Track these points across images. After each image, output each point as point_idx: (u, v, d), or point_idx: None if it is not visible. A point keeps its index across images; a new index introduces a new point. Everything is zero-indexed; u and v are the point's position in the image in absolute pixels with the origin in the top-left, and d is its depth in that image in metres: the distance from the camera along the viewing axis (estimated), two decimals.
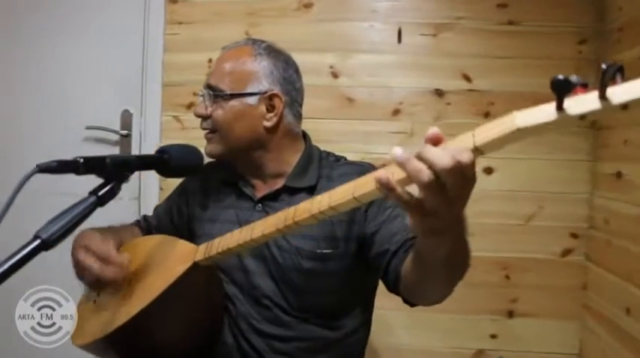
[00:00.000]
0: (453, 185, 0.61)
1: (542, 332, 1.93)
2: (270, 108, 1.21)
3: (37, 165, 0.85)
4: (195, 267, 1.05)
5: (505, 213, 1.94)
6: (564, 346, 1.93)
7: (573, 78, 0.53)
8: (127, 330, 1.02)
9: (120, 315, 1.04)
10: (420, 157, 0.62)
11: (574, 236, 1.91)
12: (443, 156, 0.60)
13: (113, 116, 2.13)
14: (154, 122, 2.10)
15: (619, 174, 1.72)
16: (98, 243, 1.08)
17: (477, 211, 1.89)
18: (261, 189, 1.25)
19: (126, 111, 2.12)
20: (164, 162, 1.05)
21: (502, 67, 1.92)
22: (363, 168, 1.22)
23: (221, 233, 1.17)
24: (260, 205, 1.22)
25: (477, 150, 0.61)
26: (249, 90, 1.20)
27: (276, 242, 1.18)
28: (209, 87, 1.22)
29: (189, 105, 2.06)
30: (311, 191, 1.20)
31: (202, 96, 1.23)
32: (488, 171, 1.94)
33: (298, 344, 1.19)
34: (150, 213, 1.46)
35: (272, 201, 1.22)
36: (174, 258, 1.10)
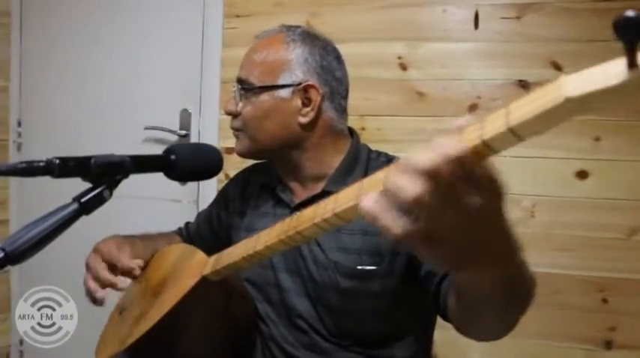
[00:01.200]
0: (452, 195, 0.45)
1: None
2: (307, 101, 1.05)
3: None
4: (205, 281, 0.95)
5: (602, 226, 1.67)
6: None
7: None
8: (142, 346, 0.95)
9: (135, 331, 0.97)
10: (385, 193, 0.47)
11: None
12: (422, 157, 0.43)
13: (172, 116, 2.07)
14: (211, 121, 2.02)
15: None
16: (109, 248, 1.05)
17: (569, 222, 1.67)
18: (300, 195, 1.11)
19: (185, 110, 2.06)
20: (169, 163, 0.90)
21: (597, 51, 1.63)
22: None
23: None
24: (297, 213, 1.07)
25: (513, 134, 0.43)
26: (280, 81, 1.06)
27: (313, 254, 1.05)
28: (239, 81, 1.09)
29: None
30: None
31: (234, 90, 1.10)
32: (582, 175, 1.67)
33: None
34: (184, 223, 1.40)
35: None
36: (187, 270, 1.01)
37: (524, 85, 1.70)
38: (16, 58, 2.33)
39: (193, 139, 2.03)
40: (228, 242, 1.19)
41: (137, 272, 1.04)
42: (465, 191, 0.45)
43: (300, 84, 1.05)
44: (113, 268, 1.03)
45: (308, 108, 1.06)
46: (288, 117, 1.06)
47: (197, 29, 2.03)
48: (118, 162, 0.83)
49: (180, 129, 2.05)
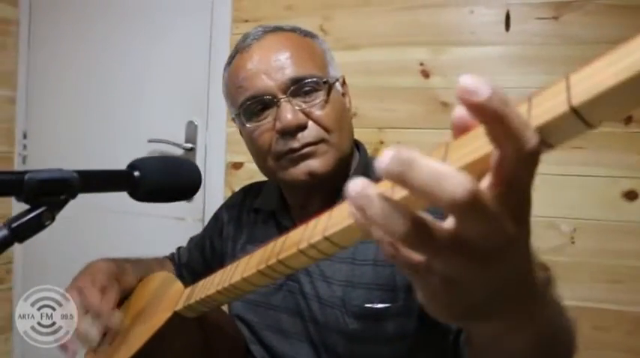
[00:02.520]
0: (475, 230, 0.32)
1: None
2: (345, 97, 0.97)
3: None
4: (177, 317, 0.81)
5: None
6: None
7: None
8: None
9: None
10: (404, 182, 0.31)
11: None
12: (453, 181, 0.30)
13: (178, 128, 1.96)
14: (219, 134, 1.89)
15: None
16: (94, 293, 0.89)
17: (615, 250, 1.47)
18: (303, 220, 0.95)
19: (191, 122, 1.94)
20: (132, 181, 0.74)
21: None
22: None
23: None
24: (284, 235, 0.91)
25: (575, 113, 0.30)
26: (332, 74, 0.93)
27: (316, 291, 0.90)
28: (296, 81, 0.87)
29: None
30: None
31: (274, 101, 0.87)
32: (631, 195, 1.47)
33: None
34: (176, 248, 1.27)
35: None
36: (163, 303, 0.88)
37: None
38: (24, 68, 2.29)
39: (199, 153, 1.91)
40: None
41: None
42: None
43: (338, 78, 0.94)
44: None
45: (349, 101, 0.98)
46: (349, 114, 0.95)
47: (205, 35, 1.92)
48: (61, 179, 0.68)
49: (186, 142, 1.93)
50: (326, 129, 0.87)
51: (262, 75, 0.87)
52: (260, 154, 0.91)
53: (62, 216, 0.67)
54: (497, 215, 0.31)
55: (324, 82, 0.88)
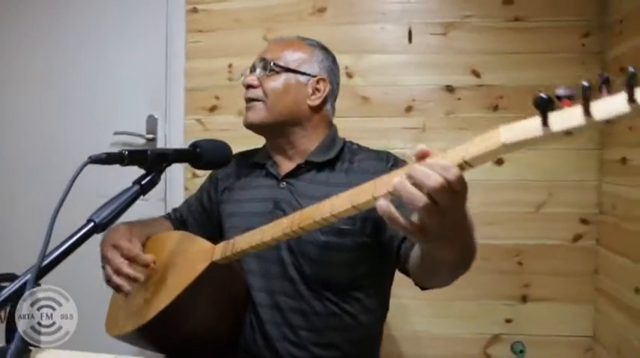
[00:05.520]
0: (444, 200, 0.66)
1: (556, 315, 2.00)
2: (316, 91, 1.32)
3: (90, 157, 0.94)
4: (214, 265, 1.12)
5: (516, 202, 2.01)
6: (578, 329, 2.00)
7: (560, 91, 0.54)
8: (156, 324, 1.09)
9: (149, 310, 1.11)
10: (410, 176, 0.67)
11: (584, 222, 1.98)
12: (430, 176, 0.65)
13: (139, 121, 2.24)
14: (177, 125, 2.21)
15: (624, 160, 1.79)
16: (126, 243, 1.16)
17: (490, 201, 1.98)
18: (285, 168, 1.33)
19: (151, 116, 2.23)
20: (197, 155, 1.12)
21: (510, 62, 2.00)
22: (380, 155, 1.32)
23: (249, 210, 1.28)
24: (284, 183, 1.30)
25: (467, 164, 0.65)
26: (302, 69, 1.32)
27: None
28: (263, 60, 1.32)
29: (212, 109, 2.17)
30: (332, 166, 1.29)
31: (252, 69, 1.34)
32: (499, 162, 2.01)
33: (314, 318, 1.23)
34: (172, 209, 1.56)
35: (293, 178, 1.30)
36: (194, 256, 1.16)
37: (450, 89, 2.03)
38: None
39: (160, 143, 2.20)
40: (219, 215, 1.42)
41: (153, 265, 1.16)
42: (448, 196, 0.67)
43: (316, 76, 1.32)
44: (130, 260, 1.14)
45: (316, 96, 1.32)
46: (301, 98, 1.31)
47: (161, 43, 2.21)
48: (165, 154, 1.05)
49: (148, 133, 2.22)
50: (265, 94, 1.29)
51: (258, 56, 1.35)
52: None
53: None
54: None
55: (278, 66, 1.29)
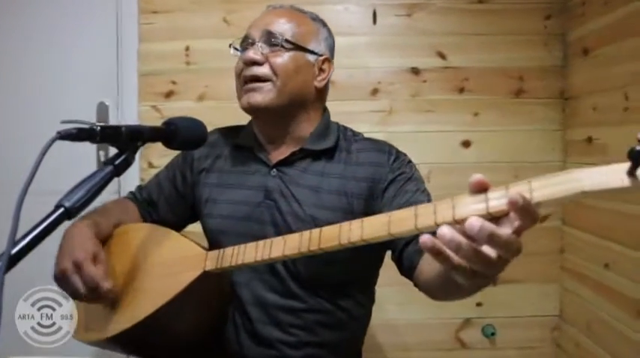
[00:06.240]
0: (509, 253, 0.61)
1: (524, 296, 2.02)
2: (321, 72, 1.22)
3: (58, 132, 0.85)
4: (206, 275, 1.02)
5: None
6: (546, 308, 2.03)
7: None
8: (134, 333, 1.00)
9: (125, 317, 1.02)
10: (491, 241, 0.59)
11: None
12: (514, 244, 0.59)
13: (89, 109, 2.09)
14: (131, 113, 2.08)
15: (589, 140, 1.82)
16: (89, 266, 1.01)
17: (456, 183, 1.95)
18: (275, 155, 1.22)
19: (102, 103, 2.09)
20: (171, 133, 1.01)
21: (475, 44, 2.00)
22: (381, 147, 1.22)
23: (235, 198, 1.18)
24: (275, 170, 1.19)
25: (537, 206, 0.60)
26: (310, 47, 1.20)
27: (292, 209, 1.15)
28: (269, 33, 1.17)
29: (168, 94, 2.06)
30: (330, 156, 1.20)
31: (252, 43, 1.18)
32: (466, 144, 2.02)
33: (305, 316, 1.16)
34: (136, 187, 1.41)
35: (287, 166, 1.20)
36: (182, 263, 1.05)
37: (416, 72, 2.01)
38: None
39: None
40: (194, 198, 1.29)
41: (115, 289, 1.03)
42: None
43: (322, 55, 1.22)
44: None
45: (322, 77, 1.22)
46: (309, 78, 1.19)
47: (111, 23, 2.07)
48: (140, 131, 0.95)
49: (98, 121, 2.07)
50: (275, 73, 1.14)
51: (254, 27, 1.21)
52: (236, 77, 1.21)
53: None
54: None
55: (288, 41, 1.15)
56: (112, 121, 2.08)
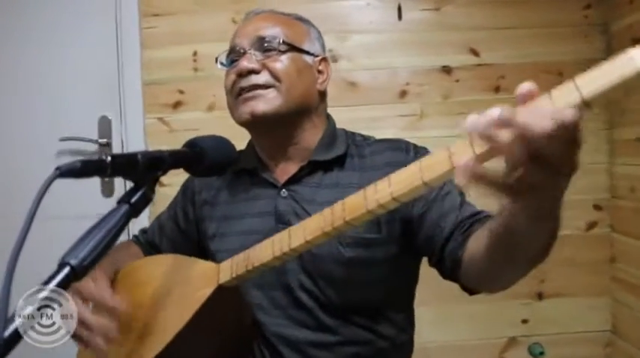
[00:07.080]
0: (555, 153, 0.50)
1: (573, 311, 1.88)
2: (320, 74, 1.10)
3: (58, 168, 0.67)
4: (220, 289, 0.91)
5: None
6: (597, 323, 1.88)
7: None
8: None
9: (145, 349, 0.92)
10: (511, 124, 0.49)
11: (597, 208, 1.87)
12: (541, 120, 0.47)
13: (90, 124, 1.93)
14: (136, 127, 1.92)
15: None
16: (88, 285, 0.92)
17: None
18: (282, 173, 1.09)
19: (103, 117, 1.93)
20: (197, 156, 0.85)
21: (510, 38, 1.85)
22: (397, 144, 1.10)
23: (244, 228, 1.06)
24: (284, 191, 1.06)
25: (585, 104, 0.48)
26: (305, 48, 1.09)
27: None
28: (261, 39, 1.05)
29: (175, 105, 1.89)
30: (341, 164, 1.07)
31: (242, 52, 1.06)
32: None
33: (342, 350, 1.03)
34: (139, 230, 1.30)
35: (297, 183, 1.07)
36: (195, 281, 0.95)
37: (448, 70, 1.85)
38: None
39: (116, 148, 1.91)
40: (199, 235, 1.18)
41: (124, 309, 0.92)
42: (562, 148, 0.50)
43: (318, 56, 1.11)
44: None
45: (322, 79, 1.10)
46: (312, 81, 1.08)
47: (110, 29, 1.92)
48: (160, 158, 0.78)
49: (100, 137, 1.91)
50: (276, 78, 1.03)
51: (241, 36, 1.08)
52: (227, 93, 1.09)
53: None
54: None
55: (284, 43, 1.05)
56: (116, 137, 1.93)
